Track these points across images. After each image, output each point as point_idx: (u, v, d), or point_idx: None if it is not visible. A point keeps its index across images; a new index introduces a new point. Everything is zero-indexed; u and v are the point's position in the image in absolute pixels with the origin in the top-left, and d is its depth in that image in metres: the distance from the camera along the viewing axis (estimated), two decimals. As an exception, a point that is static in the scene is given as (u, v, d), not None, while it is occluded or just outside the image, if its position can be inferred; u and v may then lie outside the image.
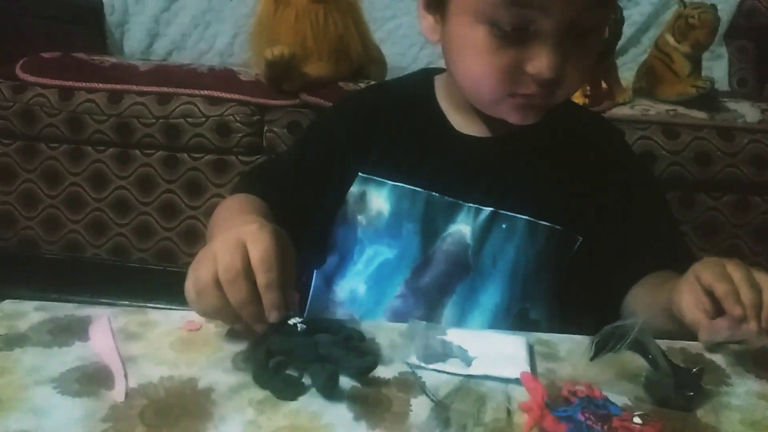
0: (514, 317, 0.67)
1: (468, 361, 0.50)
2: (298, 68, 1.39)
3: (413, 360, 0.50)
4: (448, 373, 0.49)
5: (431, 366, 0.49)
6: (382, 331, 0.55)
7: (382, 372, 0.49)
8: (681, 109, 1.38)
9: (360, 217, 0.71)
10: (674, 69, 1.43)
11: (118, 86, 1.41)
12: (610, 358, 0.48)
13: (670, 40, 1.43)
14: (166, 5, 1.97)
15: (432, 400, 0.45)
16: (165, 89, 1.40)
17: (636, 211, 0.69)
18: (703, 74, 1.44)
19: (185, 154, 1.42)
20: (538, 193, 0.66)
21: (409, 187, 0.67)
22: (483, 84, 0.59)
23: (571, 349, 0.53)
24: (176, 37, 1.98)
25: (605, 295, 0.68)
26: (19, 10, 1.65)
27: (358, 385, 0.47)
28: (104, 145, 1.43)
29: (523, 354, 0.51)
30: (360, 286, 0.70)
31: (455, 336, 0.53)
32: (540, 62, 0.54)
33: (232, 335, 0.53)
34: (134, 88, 1.40)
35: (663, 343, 0.53)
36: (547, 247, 0.67)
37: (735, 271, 0.51)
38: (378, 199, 0.69)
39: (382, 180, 0.69)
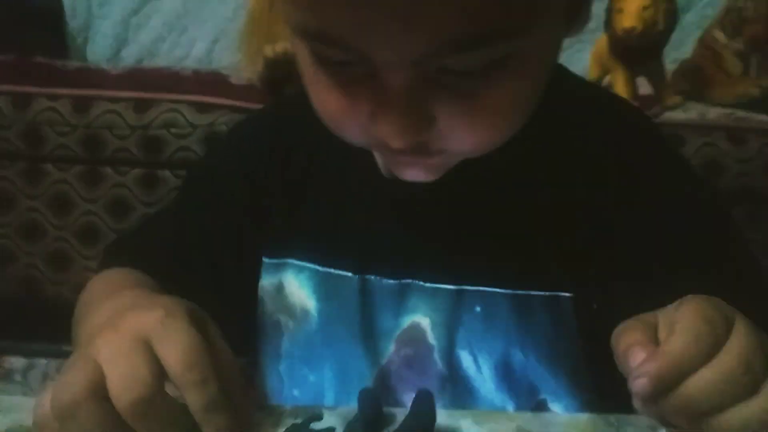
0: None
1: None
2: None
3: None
4: None
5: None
6: (556, 428, 0.34)
7: None
8: (739, 112, 1.22)
9: (283, 320, 0.49)
10: (725, 68, 1.28)
11: (85, 91, 1.19)
12: None
13: (720, 36, 1.29)
14: (136, 8, 1.77)
15: None
16: (142, 94, 1.18)
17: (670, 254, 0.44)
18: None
19: (167, 171, 1.20)
20: (521, 251, 0.45)
21: (334, 271, 0.47)
22: (335, 129, 0.39)
23: None
24: (147, 43, 1.77)
25: None
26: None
27: None
28: (69, 162, 1.20)
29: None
30: None
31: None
32: (383, 126, 0.34)
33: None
34: (105, 93, 1.18)
35: None
36: (550, 325, 0.45)
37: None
38: (300, 292, 0.48)
39: (299, 263, 0.48)
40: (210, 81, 1.26)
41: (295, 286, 0.48)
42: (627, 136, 0.47)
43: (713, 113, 1.21)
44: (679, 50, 1.60)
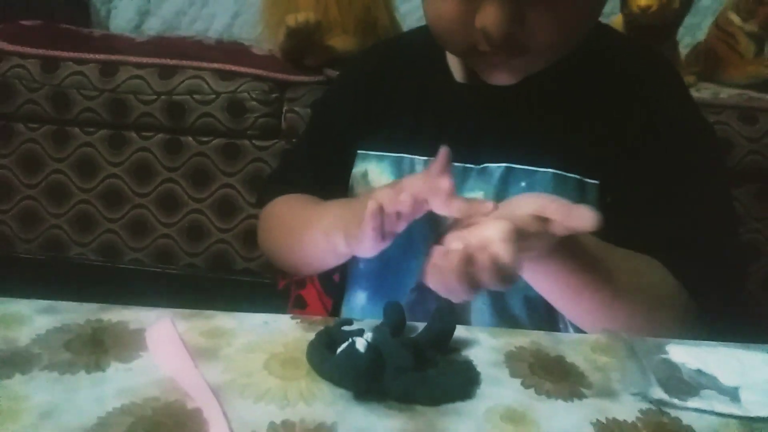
0: None
1: (731, 394, 0.33)
2: (321, 40, 1.21)
3: (658, 393, 0.32)
4: (717, 414, 0.31)
5: (689, 403, 0.31)
6: (567, 345, 0.37)
7: (614, 410, 0.31)
8: (752, 93, 1.24)
9: None
10: (739, 50, 1.29)
11: (113, 57, 1.21)
12: None
13: (735, 18, 1.30)
14: (158, -20, 1.78)
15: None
16: (167, 61, 1.21)
17: (661, 174, 0.54)
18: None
19: (190, 137, 1.22)
20: (563, 142, 0.55)
21: (410, 156, 0.58)
22: (440, 33, 0.52)
23: None
24: (169, 16, 1.79)
25: None
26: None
27: (591, 430, 0.29)
28: (94, 126, 1.22)
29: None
30: (359, 294, 0.61)
31: (682, 355, 0.36)
32: (485, 16, 0.46)
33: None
34: (131, 59, 1.20)
35: None
36: (580, 203, 0.51)
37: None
38: (380, 177, 0.59)
39: (382, 153, 0.59)
40: (232, 50, 1.28)
41: (376, 173, 0.59)
42: (651, 73, 0.58)
43: (726, 93, 1.22)
44: (694, 35, 1.62)
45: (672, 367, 0.35)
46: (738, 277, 0.57)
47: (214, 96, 1.19)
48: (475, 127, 0.57)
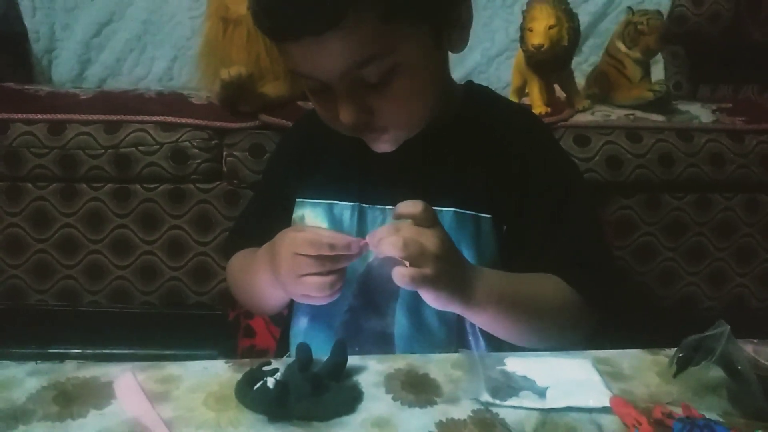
0: None
1: (541, 393, 0.46)
2: (254, 88, 1.33)
3: (485, 397, 0.45)
4: (525, 408, 0.45)
5: (507, 402, 0.45)
6: (433, 364, 0.50)
7: (453, 412, 0.44)
8: (638, 113, 1.40)
9: None
10: (627, 74, 1.46)
11: (60, 116, 1.30)
12: (686, 372, 0.45)
13: (621, 46, 1.46)
14: (96, 30, 1.85)
15: (521, 439, 0.41)
16: (112, 117, 1.30)
17: (544, 208, 0.70)
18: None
19: (138, 185, 1.32)
20: (460, 186, 0.68)
21: (341, 203, 0.70)
22: (327, 124, 0.66)
23: (633, 365, 0.51)
24: (110, 63, 1.85)
25: None
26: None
27: (435, 430, 0.42)
28: (47, 181, 1.31)
29: (596, 378, 0.48)
30: (302, 319, 0.71)
31: (515, 365, 0.50)
32: (341, 114, 0.61)
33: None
34: (78, 117, 1.30)
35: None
36: (477, 235, 0.68)
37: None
38: (315, 220, 0.71)
39: (316, 201, 0.72)
40: (172, 101, 1.37)
41: (311, 216, 0.71)
42: (527, 129, 0.75)
43: (615, 115, 1.39)
44: (598, 54, 1.79)
45: (505, 375, 0.48)
46: (616, 275, 0.72)
47: (158, 146, 1.29)
48: (391, 178, 0.69)
